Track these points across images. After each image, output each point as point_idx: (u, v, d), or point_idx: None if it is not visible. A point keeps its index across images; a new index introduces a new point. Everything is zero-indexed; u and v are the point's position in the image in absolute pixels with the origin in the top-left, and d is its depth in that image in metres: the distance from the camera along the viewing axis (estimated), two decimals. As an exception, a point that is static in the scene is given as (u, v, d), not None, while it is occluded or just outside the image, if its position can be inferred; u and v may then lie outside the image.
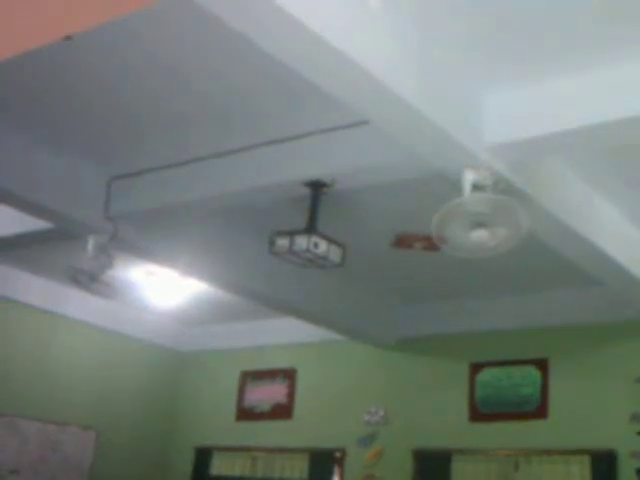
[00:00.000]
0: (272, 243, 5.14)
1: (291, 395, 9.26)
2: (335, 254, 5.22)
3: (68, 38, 3.53)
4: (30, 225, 6.32)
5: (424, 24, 3.80)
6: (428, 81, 4.01)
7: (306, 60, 3.58)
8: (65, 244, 6.78)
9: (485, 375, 8.05)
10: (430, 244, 6.05)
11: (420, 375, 8.47)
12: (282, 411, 9.26)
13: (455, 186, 4.37)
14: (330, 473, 8.75)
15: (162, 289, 8.11)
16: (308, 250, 5.06)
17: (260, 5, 3.16)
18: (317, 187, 5.10)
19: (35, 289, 8.62)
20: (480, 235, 4.34)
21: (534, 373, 7.77)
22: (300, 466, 8.91)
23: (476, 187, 4.24)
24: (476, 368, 8.12)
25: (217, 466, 9.57)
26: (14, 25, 1.81)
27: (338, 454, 8.71)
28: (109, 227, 5.91)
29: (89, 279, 6.12)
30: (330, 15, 3.38)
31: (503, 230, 4.35)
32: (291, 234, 5.09)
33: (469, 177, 4.29)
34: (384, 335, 8.60)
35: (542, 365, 7.75)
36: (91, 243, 6.06)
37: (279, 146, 5.06)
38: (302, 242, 5.03)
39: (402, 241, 6.42)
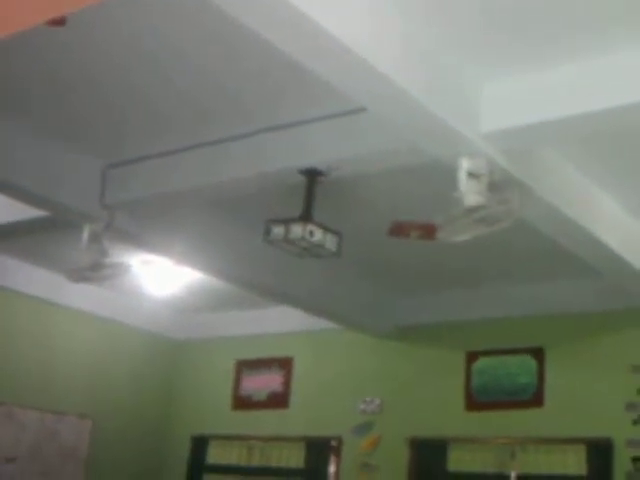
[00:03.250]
0: (267, 231, 5.12)
1: (287, 384, 9.27)
2: (331, 242, 5.20)
3: (61, 24, 3.52)
4: (26, 214, 6.30)
5: (420, 11, 3.78)
6: (424, 68, 3.99)
7: (302, 47, 3.56)
8: (61, 233, 6.77)
9: (481, 364, 8.05)
10: (426, 232, 6.04)
11: (416, 364, 8.47)
12: (278, 400, 9.27)
13: (451, 174, 4.35)
14: (326, 462, 8.77)
15: (158, 278, 8.10)
16: (304, 238, 5.04)
17: None
18: (312, 175, 5.08)
19: (31, 278, 8.60)
20: (483, 230, 4.39)
21: (530, 362, 7.77)
22: (296, 455, 8.92)
23: (472, 175, 4.23)
24: (472, 357, 8.12)
25: (213, 455, 9.59)
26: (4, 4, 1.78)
27: (334, 443, 8.72)
28: (105, 216, 5.90)
29: (91, 270, 6.10)
30: (329, 3, 3.36)
31: (502, 222, 4.38)
32: (286, 222, 5.07)
33: (465, 165, 4.28)
34: (380, 324, 8.59)
35: (538, 354, 7.75)
36: (87, 232, 6.04)
37: (274, 134, 5.05)
38: (297, 230, 5.02)
39: (398, 229, 6.40)
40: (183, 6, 3.91)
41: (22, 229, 6.72)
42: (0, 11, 1.75)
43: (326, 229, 5.17)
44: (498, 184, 4.36)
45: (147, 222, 6.28)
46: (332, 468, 8.72)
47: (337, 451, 8.69)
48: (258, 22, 3.40)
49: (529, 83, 4.22)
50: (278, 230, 5.05)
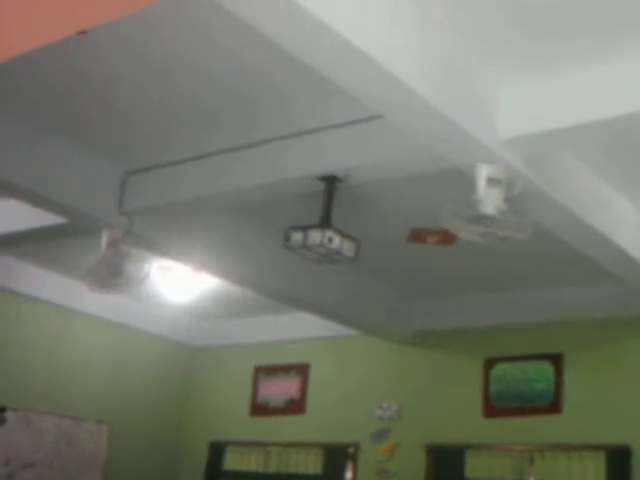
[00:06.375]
0: (287, 238, 5.15)
1: (304, 390, 9.27)
2: (349, 249, 5.22)
3: (82, 32, 3.54)
4: (45, 220, 6.33)
5: (437, 19, 3.80)
6: (442, 75, 3.99)
7: (320, 55, 3.57)
8: (80, 240, 6.80)
9: (499, 370, 8.03)
10: (444, 238, 6.05)
11: (434, 370, 8.46)
12: (295, 406, 9.27)
13: (470, 180, 4.36)
14: (343, 468, 8.76)
15: (176, 284, 8.12)
16: (322, 245, 5.06)
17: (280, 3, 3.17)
18: (331, 182, 5.10)
19: (48, 285, 8.65)
20: (480, 240, 4.41)
21: (548, 368, 7.75)
22: (313, 461, 8.92)
23: (490, 181, 4.23)
24: (490, 363, 8.11)
25: (231, 461, 9.60)
26: (30, 19, 1.82)
27: (351, 449, 8.71)
28: (124, 222, 5.92)
29: (110, 277, 6.09)
30: (346, 10, 3.37)
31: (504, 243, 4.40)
32: (305, 229, 5.09)
33: (483, 171, 4.28)
34: (398, 330, 8.59)
35: (556, 360, 7.73)
36: (105, 239, 6.06)
37: (292, 141, 5.07)
38: (316, 237, 5.03)
39: (416, 235, 6.41)
40: (195, 17, 3.93)
41: (40, 235, 6.75)
42: (26, 29, 1.79)
43: (344, 235, 5.18)
44: (515, 203, 4.35)
45: (166, 228, 6.31)
46: (349, 474, 8.71)
47: (354, 457, 8.68)
48: (273, 29, 3.41)
49: (547, 89, 4.22)
50: (297, 236, 5.07)
